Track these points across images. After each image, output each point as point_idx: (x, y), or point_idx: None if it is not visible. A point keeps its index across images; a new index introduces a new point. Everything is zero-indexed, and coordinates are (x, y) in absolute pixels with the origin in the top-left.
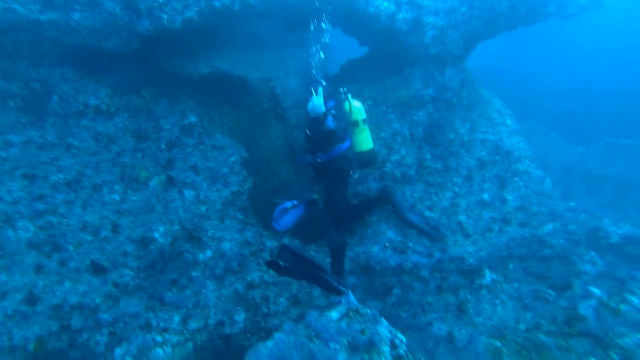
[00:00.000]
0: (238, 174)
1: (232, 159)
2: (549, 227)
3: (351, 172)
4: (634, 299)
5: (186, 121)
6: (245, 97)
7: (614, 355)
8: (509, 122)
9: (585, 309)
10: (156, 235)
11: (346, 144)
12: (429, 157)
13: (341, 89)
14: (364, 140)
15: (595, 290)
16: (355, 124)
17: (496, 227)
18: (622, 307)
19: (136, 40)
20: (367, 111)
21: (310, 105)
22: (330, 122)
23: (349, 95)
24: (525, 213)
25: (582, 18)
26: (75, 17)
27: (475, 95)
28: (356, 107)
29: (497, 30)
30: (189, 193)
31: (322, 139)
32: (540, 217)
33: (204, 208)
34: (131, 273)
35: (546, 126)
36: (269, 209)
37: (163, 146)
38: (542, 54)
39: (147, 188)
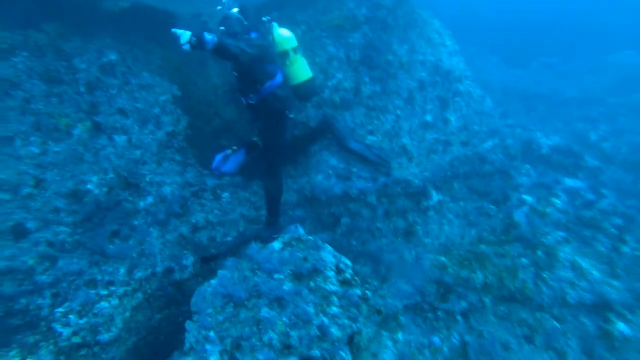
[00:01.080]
0: (171, 114)
1: (163, 97)
2: (489, 143)
3: (287, 112)
4: (557, 201)
5: (105, 59)
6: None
7: (540, 253)
8: (448, 42)
9: (519, 216)
10: (89, 186)
11: (276, 81)
12: (367, 80)
13: (264, 18)
14: (299, 71)
15: (527, 198)
16: (285, 54)
17: (440, 148)
18: (548, 209)
19: None
20: (300, 38)
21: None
22: (249, 59)
23: (274, 24)
24: (468, 132)
25: None
26: None
27: (412, 15)
28: (282, 35)
29: None
30: (119, 138)
31: (247, 78)
32: (481, 136)
33: (138, 152)
34: (67, 229)
35: (487, 50)
36: (212, 149)
37: (82, 89)
38: None
39: (70, 137)
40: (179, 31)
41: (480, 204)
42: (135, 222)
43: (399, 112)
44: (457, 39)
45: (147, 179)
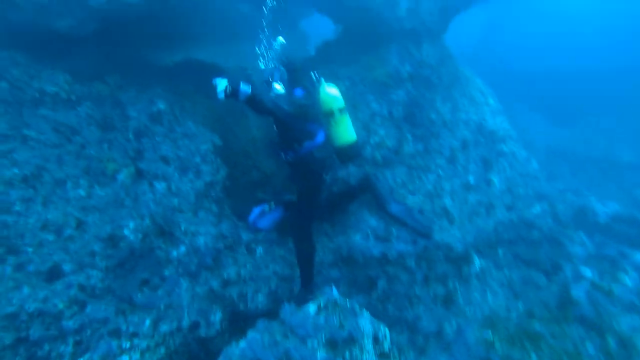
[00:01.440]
0: (211, 163)
1: (204, 147)
2: (536, 208)
3: (323, 175)
4: (626, 278)
5: (154, 108)
6: None
7: (611, 341)
8: (491, 101)
9: (577, 291)
10: (126, 231)
11: (316, 142)
12: (409, 137)
13: (312, 73)
14: (343, 133)
15: (587, 272)
16: (330, 114)
17: (483, 210)
18: (615, 287)
19: (93, 20)
20: (344, 93)
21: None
22: (284, 115)
23: (322, 80)
24: (512, 195)
25: None
26: None
27: (455, 73)
28: (329, 94)
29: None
30: (160, 185)
31: (286, 135)
32: (527, 199)
33: (176, 200)
34: (99, 274)
35: (527, 107)
36: (248, 202)
37: (131, 136)
38: (524, 33)
39: (115, 181)
40: (217, 80)
41: (527, 273)
42: (166, 272)
43: (440, 171)
44: (498, 96)
45: (182, 228)
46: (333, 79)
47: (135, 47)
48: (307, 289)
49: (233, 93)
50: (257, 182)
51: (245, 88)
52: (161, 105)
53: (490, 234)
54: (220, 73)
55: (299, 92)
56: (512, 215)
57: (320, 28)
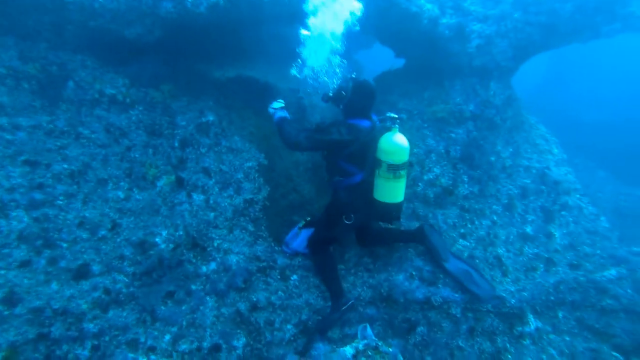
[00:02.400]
0: (253, 181)
1: (249, 164)
2: (611, 272)
3: (344, 217)
4: None
5: (203, 119)
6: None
7: None
8: (555, 150)
9: None
10: (157, 239)
11: (350, 181)
12: (465, 179)
13: (389, 114)
14: (389, 192)
15: None
16: (380, 165)
17: (541, 265)
18: None
19: (159, 27)
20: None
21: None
22: (300, 144)
23: (397, 126)
24: (576, 253)
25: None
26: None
27: (520, 117)
28: (393, 143)
29: (556, 39)
30: (198, 197)
31: (324, 160)
32: (596, 260)
33: (212, 215)
34: (125, 279)
35: (593, 163)
36: (284, 225)
37: (176, 144)
38: (592, 80)
39: (154, 187)
40: (275, 103)
41: (597, 346)
42: (193, 287)
43: (495, 218)
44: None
45: (215, 244)
46: (390, 109)
47: (192, 58)
48: (336, 306)
49: (270, 116)
50: (295, 206)
51: (279, 115)
52: (210, 117)
53: (550, 292)
54: (273, 91)
55: (364, 123)
56: (579, 275)
57: (377, 60)
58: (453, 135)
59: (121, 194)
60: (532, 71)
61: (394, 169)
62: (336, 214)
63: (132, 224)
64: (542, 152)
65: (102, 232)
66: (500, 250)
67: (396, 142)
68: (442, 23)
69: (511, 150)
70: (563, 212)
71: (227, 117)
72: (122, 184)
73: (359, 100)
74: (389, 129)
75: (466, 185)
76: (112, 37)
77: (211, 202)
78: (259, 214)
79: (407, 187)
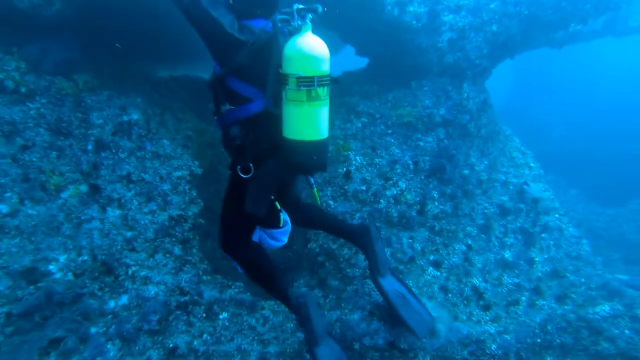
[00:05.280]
0: (183, 194)
1: (179, 173)
2: (605, 308)
3: (238, 169)
4: None
5: (125, 118)
6: None
7: None
8: (532, 164)
9: None
10: (51, 267)
11: (244, 111)
12: (436, 195)
13: (296, 6)
14: (303, 124)
15: None
16: (286, 81)
17: (524, 298)
18: None
19: None
20: (359, 130)
21: None
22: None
23: (308, 22)
24: (560, 282)
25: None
26: None
27: (494, 126)
28: (307, 47)
29: (538, 33)
30: (113, 212)
31: (216, 85)
32: (584, 291)
33: (129, 234)
34: None
35: (563, 180)
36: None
37: (89, 147)
38: (562, 91)
39: (56, 199)
40: None
41: None
42: (93, 330)
43: (470, 241)
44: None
45: (130, 272)
46: (348, 114)
47: (123, 47)
48: (296, 312)
49: None
50: None
51: None
52: (135, 116)
53: (536, 334)
54: None
55: (258, 23)
56: (566, 311)
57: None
58: (421, 143)
59: (4, 208)
60: (498, 80)
61: (306, 84)
62: (233, 171)
63: (17, 247)
64: (518, 166)
65: None
66: (477, 281)
67: (307, 44)
68: (409, 11)
69: (486, 162)
70: (543, 235)
71: (158, 117)
72: (7, 194)
73: None
74: (297, 30)
75: (436, 203)
76: (3, 6)
77: (129, 218)
78: (189, 234)
79: (366, 203)
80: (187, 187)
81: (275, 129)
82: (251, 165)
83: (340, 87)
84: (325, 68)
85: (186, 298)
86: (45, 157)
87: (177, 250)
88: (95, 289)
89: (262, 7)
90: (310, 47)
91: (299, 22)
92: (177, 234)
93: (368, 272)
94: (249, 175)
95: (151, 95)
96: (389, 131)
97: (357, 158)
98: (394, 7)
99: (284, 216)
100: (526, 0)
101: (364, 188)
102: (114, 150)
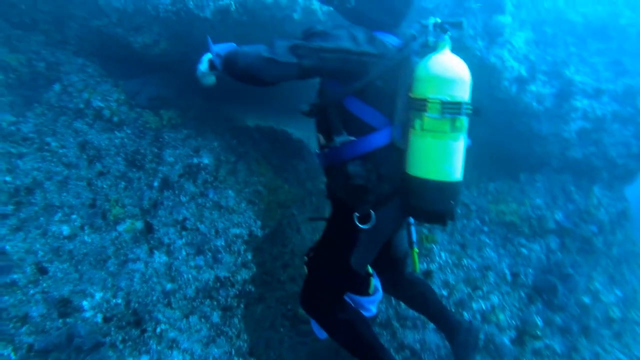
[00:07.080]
0: (237, 255)
1: (236, 230)
2: None
3: (355, 217)
4: None
5: (195, 160)
6: (298, 165)
7: None
8: None
9: None
10: (85, 303)
11: (367, 143)
12: (539, 323)
13: (432, 20)
14: (437, 160)
15: None
16: (422, 107)
17: None
18: None
19: (165, 37)
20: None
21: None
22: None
23: (447, 39)
24: None
25: None
26: None
27: (634, 247)
28: (444, 66)
29: None
30: (159, 258)
31: (322, 120)
32: None
33: (169, 286)
34: (12, 357)
35: None
36: (270, 327)
37: (156, 184)
38: None
39: (111, 231)
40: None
41: None
42: None
43: None
44: None
45: (158, 330)
46: None
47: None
48: None
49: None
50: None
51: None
52: (205, 160)
53: None
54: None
55: (389, 39)
56: None
57: None
58: (525, 251)
59: (66, 230)
60: None
61: (453, 111)
62: (343, 218)
63: (62, 273)
64: None
65: (16, 276)
66: None
67: (451, 64)
68: (530, 90)
69: (620, 294)
70: None
71: (230, 165)
72: (74, 216)
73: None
74: (432, 48)
75: (539, 333)
76: (119, 45)
77: (173, 268)
78: (233, 301)
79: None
80: (242, 248)
81: (398, 166)
82: (372, 211)
83: None
84: (467, 94)
85: None
86: (114, 186)
87: (215, 316)
88: (118, 339)
89: (388, 13)
90: (456, 67)
91: (433, 38)
92: (221, 298)
93: None
94: (368, 226)
95: (229, 141)
96: (485, 229)
97: (442, 254)
98: (511, 84)
99: (375, 281)
100: None
101: (445, 293)
102: (177, 192)
